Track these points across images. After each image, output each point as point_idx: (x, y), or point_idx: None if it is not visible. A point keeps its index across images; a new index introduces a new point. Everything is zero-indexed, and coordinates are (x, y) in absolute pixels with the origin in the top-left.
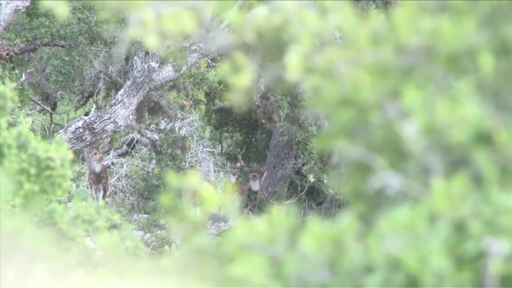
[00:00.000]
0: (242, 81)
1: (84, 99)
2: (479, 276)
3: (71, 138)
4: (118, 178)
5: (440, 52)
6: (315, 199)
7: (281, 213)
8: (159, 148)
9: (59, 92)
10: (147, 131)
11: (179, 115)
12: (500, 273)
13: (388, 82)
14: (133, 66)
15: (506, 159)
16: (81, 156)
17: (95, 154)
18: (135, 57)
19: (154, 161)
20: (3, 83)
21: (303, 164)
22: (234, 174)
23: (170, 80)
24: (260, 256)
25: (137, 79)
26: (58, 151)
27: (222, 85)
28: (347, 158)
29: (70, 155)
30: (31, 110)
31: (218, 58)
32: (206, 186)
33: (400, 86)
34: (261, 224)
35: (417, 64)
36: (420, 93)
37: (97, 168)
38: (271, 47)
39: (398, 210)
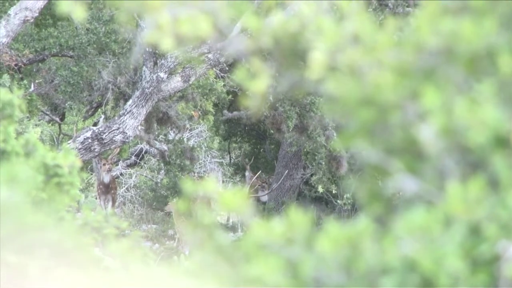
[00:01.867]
0: (259, 87)
1: (92, 110)
2: (493, 279)
3: (79, 149)
4: (127, 188)
5: (460, 53)
6: (323, 209)
7: (299, 214)
8: (167, 159)
9: (68, 103)
10: (156, 142)
11: (187, 125)
12: None
13: (408, 83)
14: (142, 77)
15: None
16: (89, 166)
17: (104, 164)
18: (144, 68)
19: (162, 171)
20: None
21: (312, 175)
22: (263, 189)
23: (179, 91)
24: (277, 257)
25: (146, 89)
26: (66, 158)
27: (230, 96)
28: (365, 160)
29: (79, 163)
30: (39, 120)
31: (227, 68)
32: (222, 192)
33: (420, 87)
34: (279, 225)
35: (437, 66)
36: (439, 94)
37: (106, 178)
38: (287, 53)
39: (414, 212)
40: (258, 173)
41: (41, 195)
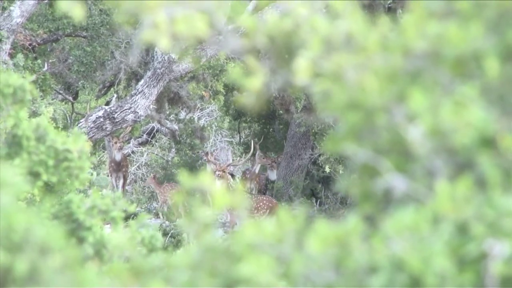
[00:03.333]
0: (254, 84)
1: (105, 89)
2: (480, 277)
3: (92, 127)
4: (138, 166)
5: (447, 56)
6: (331, 188)
7: (289, 214)
8: (178, 138)
9: (81, 82)
10: (167, 121)
11: (198, 105)
12: (501, 274)
13: (395, 86)
14: (154, 57)
15: (509, 163)
16: (101, 144)
17: (116, 143)
18: (156, 48)
19: (173, 150)
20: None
21: (320, 155)
22: (261, 164)
23: (190, 71)
24: (268, 256)
25: (158, 70)
26: (76, 143)
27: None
28: (355, 160)
29: (88, 147)
30: (53, 99)
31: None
32: (217, 186)
33: (407, 90)
34: (269, 225)
35: (424, 68)
36: (426, 96)
37: (118, 156)
38: (282, 51)
39: (402, 212)
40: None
41: (34, 191)
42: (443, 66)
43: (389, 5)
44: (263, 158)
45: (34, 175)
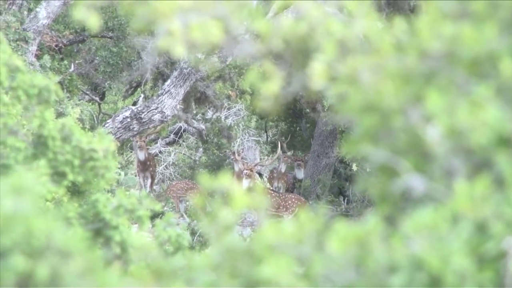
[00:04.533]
0: (271, 88)
1: (132, 89)
2: (499, 276)
3: (119, 128)
4: (165, 166)
5: (462, 57)
6: (356, 186)
7: (309, 215)
8: (205, 137)
9: (107, 82)
10: (194, 121)
11: (225, 104)
12: None
13: (410, 87)
14: (180, 57)
15: None
16: (129, 145)
17: (137, 142)
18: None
19: (200, 149)
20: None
21: (346, 153)
22: (285, 163)
23: (216, 71)
24: (288, 257)
25: (184, 69)
26: (101, 142)
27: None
28: (373, 161)
29: (114, 147)
30: (80, 100)
31: None
32: (244, 186)
33: (423, 91)
34: (289, 226)
35: (439, 69)
36: (442, 97)
37: (141, 156)
38: (297, 54)
39: (421, 211)
40: (278, 151)
41: (60, 191)
42: (459, 67)
43: (413, 5)
44: (285, 157)
45: (60, 175)
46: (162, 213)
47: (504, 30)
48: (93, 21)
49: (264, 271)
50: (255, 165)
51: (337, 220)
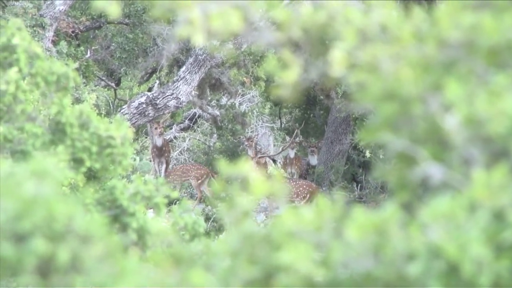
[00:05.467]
0: (290, 76)
1: (147, 75)
2: None
3: (134, 114)
4: (180, 151)
5: (481, 46)
6: (371, 173)
7: (328, 202)
8: (220, 123)
9: (123, 68)
10: (209, 107)
11: (239, 91)
12: None
13: (430, 76)
14: (195, 44)
15: None
16: (144, 130)
17: (156, 128)
18: None
19: (215, 135)
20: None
21: (360, 140)
22: (292, 149)
23: (230, 58)
24: (307, 244)
25: (199, 56)
26: (119, 129)
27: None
28: (392, 149)
29: (131, 134)
30: (95, 86)
31: None
32: (256, 175)
33: (442, 80)
34: (308, 213)
35: (459, 58)
36: (461, 86)
37: (158, 142)
38: (316, 43)
39: (439, 199)
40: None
41: (77, 177)
42: (478, 56)
43: None
44: (292, 143)
45: (78, 161)
46: (178, 199)
47: None
48: (113, 9)
49: (283, 257)
50: (259, 156)
51: (353, 206)
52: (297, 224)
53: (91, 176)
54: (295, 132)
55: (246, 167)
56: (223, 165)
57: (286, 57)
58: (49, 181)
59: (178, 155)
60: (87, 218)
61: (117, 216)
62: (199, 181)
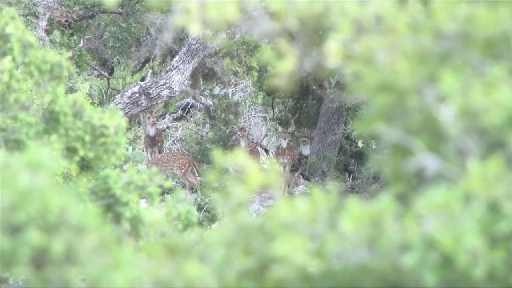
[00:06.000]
0: (286, 66)
1: (140, 65)
2: (511, 255)
3: (127, 103)
4: (173, 141)
5: (476, 37)
6: (364, 163)
7: (322, 193)
8: (212, 113)
9: (116, 58)
10: (201, 97)
11: (232, 81)
12: None
13: (425, 67)
14: (188, 34)
15: None
16: (137, 120)
17: (149, 118)
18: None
19: (208, 125)
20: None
21: (353, 130)
22: (285, 139)
23: (223, 48)
24: (302, 235)
25: (192, 46)
26: (112, 119)
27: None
28: (387, 140)
29: (124, 123)
30: (89, 75)
31: None
32: (251, 165)
33: (437, 71)
34: (303, 204)
35: (454, 50)
36: (457, 78)
37: (151, 131)
38: (312, 33)
39: (434, 191)
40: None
41: (71, 167)
42: (473, 48)
43: None
44: (284, 133)
45: (71, 150)
46: (171, 189)
47: None
48: (110, 2)
49: (278, 248)
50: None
51: (345, 197)
52: (292, 215)
53: (84, 165)
54: (290, 122)
55: (240, 157)
56: (217, 155)
57: (282, 47)
58: (44, 173)
59: (171, 144)
60: (80, 208)
61: (111, 206)
62: (183, 171)
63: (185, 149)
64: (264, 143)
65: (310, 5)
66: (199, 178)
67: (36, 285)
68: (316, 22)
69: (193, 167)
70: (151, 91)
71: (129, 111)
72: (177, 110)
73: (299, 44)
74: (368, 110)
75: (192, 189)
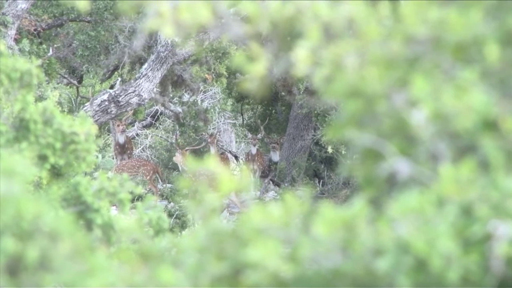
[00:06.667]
0: (257, 69)
1: (109, 73)
2: (485, 258)
3: (97, 111)
4: (142, 149)
5: (447, 41)
6: (333, 169)
7: (295, 198)
8: (182, 120)
9: (85, 66)
10: (171, 104)
11: (201, 88)
12: (505, 255)
13: (395, 72)
14: (157, 41)
15: (511, 145)
16: (107, 127)
17: (118, 125)
18: (159, 32)
19: (177, 132)
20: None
21: (322, 136)
22: (254, 145)
23: (193, 55)
24: (275, 240)
25: (161, 53)
26: (83, 126)
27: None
28: (358, 145)
29: (94, 130)
30: (58, 83)
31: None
32: (223, 171)
33: (408, 76)
34: (276, 209)
35: (425, 54)
36: (428, 82)
37: (121, 139)
38: (284, 36)
39: (407, 195)
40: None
41: (42, 174)
42: (444, 52)
43: None
44: (253, 139)
45: (42, 158)
46: (141, 196)
47: (489, 15)
48: (82, 5)
49: (251, 254)
50: (187, 150)
51: (316, 202)
52: (265, 220)
53: (55, 173)
54: (260, 128)
55: (212, 163)
56: (189, 162)
57: (254, 51)
58: (18, 180)
59: (141, 152)
60: (54, 215)
61: (82, 213)
62: (148, 177)
63: (154, 156)
64: (233, 149)
65: (282, 9)
66: (165, 185)
67: None
68: (288, 26)
69: (157, 174)
70: (120, 98)
71: (98, 119)
72: (147, 118)
73: (271, 48)
74: (339, 116)
75: (162, 196)
